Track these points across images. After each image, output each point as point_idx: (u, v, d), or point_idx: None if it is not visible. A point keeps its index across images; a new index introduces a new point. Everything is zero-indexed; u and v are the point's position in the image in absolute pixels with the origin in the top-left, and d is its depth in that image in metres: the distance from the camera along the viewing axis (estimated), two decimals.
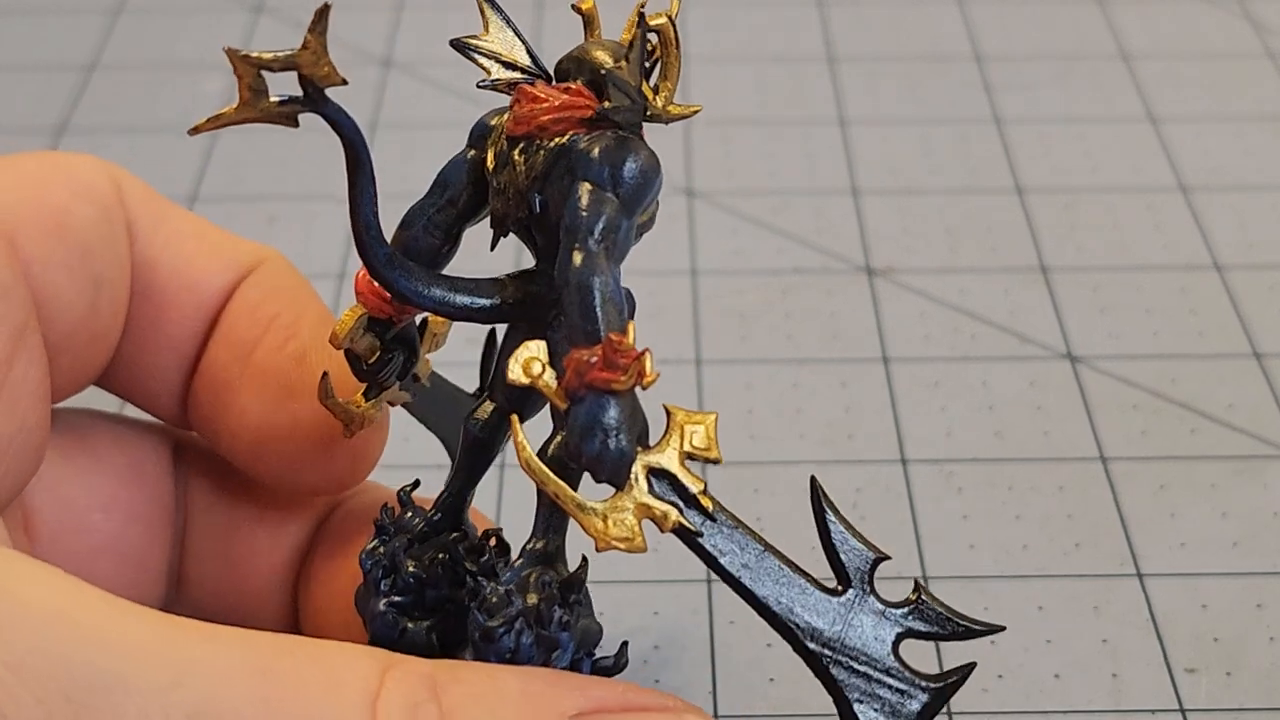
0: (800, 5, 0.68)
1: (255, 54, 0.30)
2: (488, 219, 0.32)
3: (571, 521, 0.30)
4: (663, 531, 0.28)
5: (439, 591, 0.32)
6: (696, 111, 0.31)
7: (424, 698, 0.26)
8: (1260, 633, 0.42)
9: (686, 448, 0.28)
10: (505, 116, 0.32)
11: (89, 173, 0.34)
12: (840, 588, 0.31)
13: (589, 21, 0.32)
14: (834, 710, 0.40)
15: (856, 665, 0.31)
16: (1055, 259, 0.54)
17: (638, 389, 0.28)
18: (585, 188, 0.29)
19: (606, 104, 0.30)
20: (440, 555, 0.32)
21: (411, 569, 0.32)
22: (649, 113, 0.30)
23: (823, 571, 0.31)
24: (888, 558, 0.31)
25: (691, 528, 0.28)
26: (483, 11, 0.30)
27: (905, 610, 0.30)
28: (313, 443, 0.34)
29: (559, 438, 0.31)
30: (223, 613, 0.36)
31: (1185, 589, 0.43)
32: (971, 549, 0.44)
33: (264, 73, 0.31)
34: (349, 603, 0.33)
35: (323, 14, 0.30)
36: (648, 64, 0.31)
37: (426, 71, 0.63)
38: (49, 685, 0.24)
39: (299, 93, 0.31)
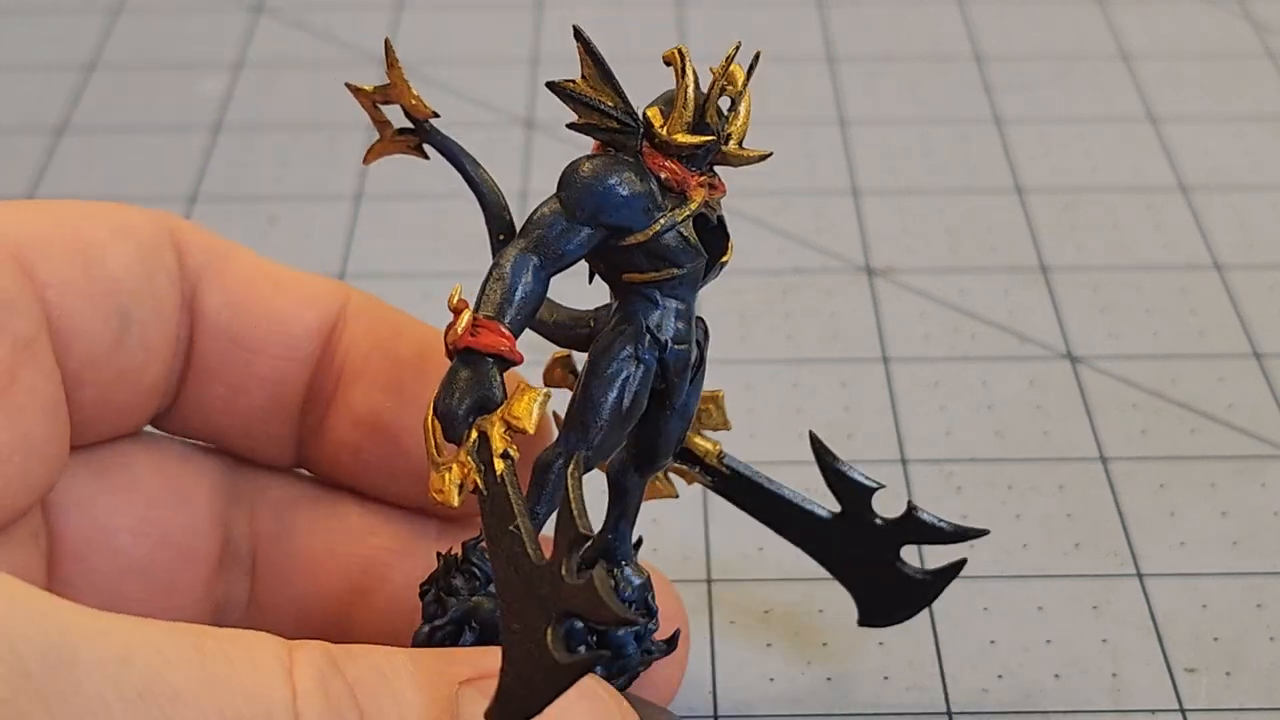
0: (800, 5, 0.68)
1: (364, 88, 0.32)
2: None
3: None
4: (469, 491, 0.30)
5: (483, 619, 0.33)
6: (764, 156, 0.32)
7: (329, 669, 0.28)
8: (1260, 633, 0.42)
9: (507, 416, 0.30)
10: None
11: (133, 217, 0.34)
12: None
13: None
14: (834, 710, 0.40)
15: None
16: (1055, 259, 0.54)
17: (491, 359, 0.30)
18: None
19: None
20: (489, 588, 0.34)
21: (459, 599, 0.33)
22: (656, 139, 0.31)
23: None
24: (883, 486, 0.37)
25: (481, 487, 0.30)
26: (582, 60, 0.31)
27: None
28: None
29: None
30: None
31: (1185, 589, 0.43)
32: (971, 549, 0.44)
33: (381, 105, 0.33)
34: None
35: (388, 48, 0.32)
36: (713, 99, 0.31)
37: (426, 71, 0.63)
38: (9, 661, 0.24)
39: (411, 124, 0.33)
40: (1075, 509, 0.45)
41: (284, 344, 0.35)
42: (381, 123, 0.33)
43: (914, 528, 0.38)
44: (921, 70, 0.64)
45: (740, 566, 0.44)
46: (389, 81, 0.32)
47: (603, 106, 0.31)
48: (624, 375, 0.32)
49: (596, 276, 0.33)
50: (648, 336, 0.32)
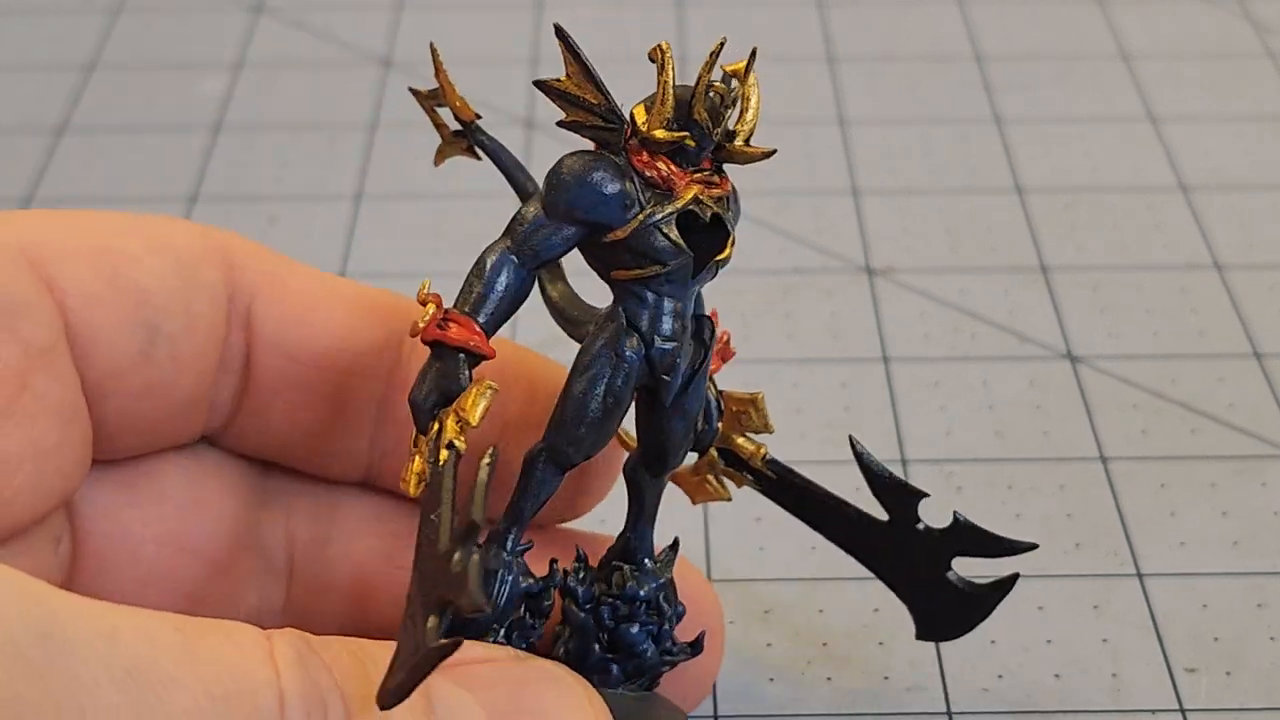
0: (800, 5, 0.68)
1: (420, 90, 0.35)
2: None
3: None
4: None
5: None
6: (769, 154, 0.32)
7: (307, 651, 0.28)
8: (1260, 633, 0.42)
9: (458, 408, 0.31)
10: None
11: (177, 233, 0.34)
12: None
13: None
14: (834, 710, 0.40)
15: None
16: (1055, 259, 0.54)
17: (462, 353, 0.31)
18: None
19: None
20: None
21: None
22: (639, 136, 0.31)
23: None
24: (927, 494, 0.37)
25: (426, 476, 0.31)
26: (565, 59, 0.31)
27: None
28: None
29: None
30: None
31: (1185, 589, 0.43)
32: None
33: (439, 108, 0.35)
34: None
35: (434, 52, 0.34)
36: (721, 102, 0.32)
37: (426, 71, 0.63)
38: (4, 643, 0.25)
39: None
40: (1075, 509, 0.45)
41: (347, 360, 0.35)
42: (439, 125, 0.35)
43: (961, 538, 0.37)
44: (921, 70, 0.64)
45: (740, 566, 0.44)
46: (438, 85, 0.34)
47: (586, 103, 0.31)
48: (602, 371, 0.32)
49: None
50: (635, 335, 0.32)
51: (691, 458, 0.36)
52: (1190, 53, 0.65)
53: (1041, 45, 0.65)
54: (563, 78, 0.31)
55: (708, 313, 0.34)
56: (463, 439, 0.30)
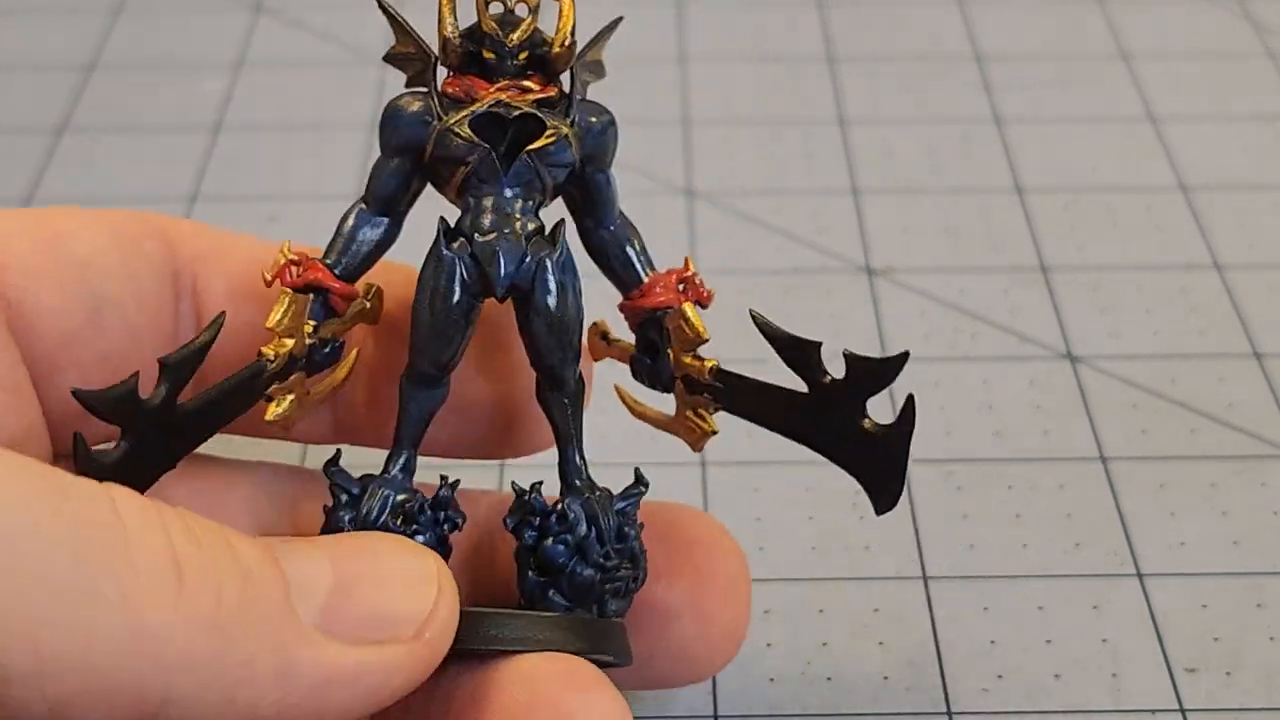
0: (800, 5, 0.68)
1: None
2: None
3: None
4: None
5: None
6: (572, 46, 0.34)
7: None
8: (1260, 633, 0.42)
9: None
10: None
11: (110, 213, 0.35)
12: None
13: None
14: (834, 710, 0.40)
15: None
16: (1055, 259, 0.54)
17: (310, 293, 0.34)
18: None
19: None
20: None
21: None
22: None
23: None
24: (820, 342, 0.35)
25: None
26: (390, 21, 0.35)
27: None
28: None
29: None
30: None
31: (1185, 589, 0.43)
32: (971, 549, 0.44)
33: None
34: None
35: None
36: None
37: None
38: None
39: None
40: (1075, 509, 0.45)
41: None
42: None
43: (859, 376, 0.34)
44: (921, 70, 0.64)
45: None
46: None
47: (410, 55, 0.35)
48: (427, 277, 0.34)
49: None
50: (460, 238, 0.34)
51: (669, 402, 0.37)
52: (1190, 53, 0.65)
53: (1041, 45, 0.65)
54: (394, 45, 0.35)
55: (682, 263, 0.36)
56: (273, 350, 0.33)
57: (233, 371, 0.33)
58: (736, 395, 0.36)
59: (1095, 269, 0.54)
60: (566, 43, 0.34)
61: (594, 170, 0.35)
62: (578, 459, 0.35)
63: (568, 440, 0.35)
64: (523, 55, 0.34)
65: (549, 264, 0.34)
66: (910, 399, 0.34)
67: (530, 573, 0.34)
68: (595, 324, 0.37)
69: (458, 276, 0.33)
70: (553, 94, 0.34)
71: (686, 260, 0.36)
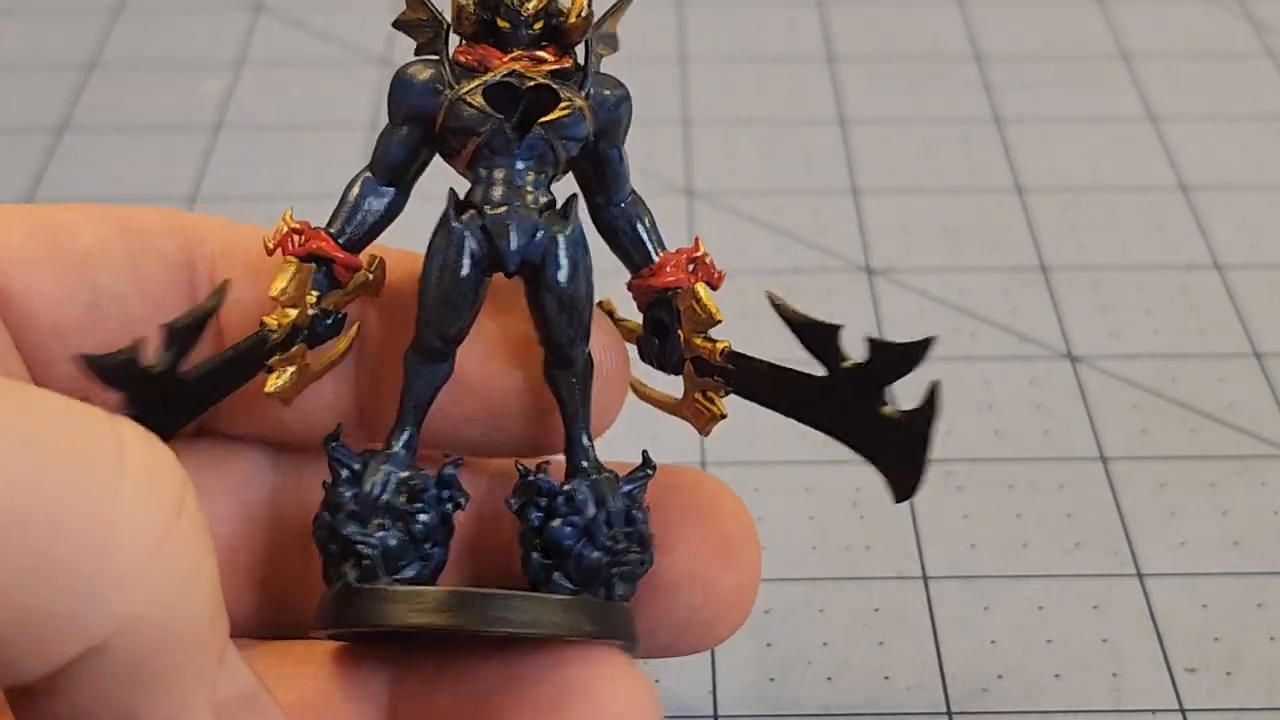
0: (800, 5, 0.68)
1: None
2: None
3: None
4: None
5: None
6: (589, 16, 0.33)
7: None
8: (1260, 633, 0.42)
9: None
10: None
11: (124, 209, 0.35)
12: None
13: None
14: (834, 710, 0.40)
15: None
16: (1055, 259, 0.54)
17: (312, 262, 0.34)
18: None
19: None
20: None
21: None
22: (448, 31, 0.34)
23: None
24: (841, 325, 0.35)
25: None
26: None
27: None
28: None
29: None
30: None
31: (1185, 589, 0.43)
32: (971, 549, 0.44)
33: None
34: None
35: None
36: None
37: None
38: None
39: None
40: (1075, 509, 0.45)
41: None
42: None
43: (880, 360, 0.34)
44: (921, 70, 0.64)
45: None
46: None
47: (421, 22, 0.34)
48: (436, 247, 0.33)
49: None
50: (470, 209, 0.33)
51: (677, 385, 0.36)
52: (1190, 53, 0.65)
53: (1041, 45, 0.65)
54: (404, 10, 0.34)
55: (692, 243, 0.36)
56: (276, 320, 0.33)
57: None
58: (749, 378, 0.35)
59: (1095, 269, 0.54)
60: (583, 13, 0.33)
61: (607, 145, 0.34)
62: (585, 439, 0.35)
63: (574, 420, 0.34)
64: (538, 25, 0.33)
65: (561, 240, 0.33)
66: (936, 385, 0.34)
67: (535, 554, 0.33)
68: (601, 302, 0.36)
69: (467, 249, 0.33)
70: (567, 65, 0.33)
71: (697, 240, 0.36)
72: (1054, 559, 0.44)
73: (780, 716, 0.40)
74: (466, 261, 0.33)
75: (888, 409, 0.34)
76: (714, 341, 0.35)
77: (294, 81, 0.63)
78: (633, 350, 0.37)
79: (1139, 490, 0.46)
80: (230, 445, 0.36)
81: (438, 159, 0.34)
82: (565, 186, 0.35)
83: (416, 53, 0.34)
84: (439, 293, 0.33)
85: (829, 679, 0.41)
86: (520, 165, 0.33)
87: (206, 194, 0.57)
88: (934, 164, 0.59)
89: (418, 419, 0.34)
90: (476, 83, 0.33)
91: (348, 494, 0.33)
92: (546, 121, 0.33)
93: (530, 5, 0.33)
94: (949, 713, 0.40)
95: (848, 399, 0.34)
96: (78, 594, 0.25)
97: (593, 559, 0.33)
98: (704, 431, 0.36)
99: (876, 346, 0.34)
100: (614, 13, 0.34)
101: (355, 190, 0.34)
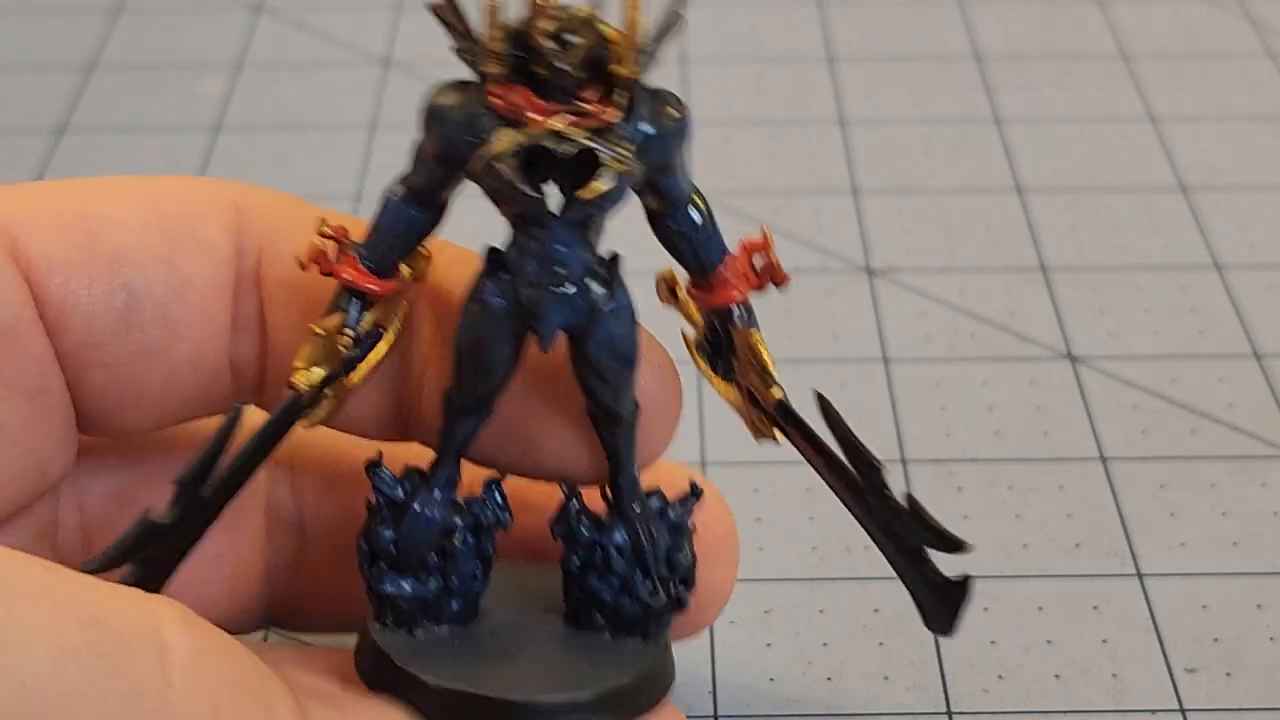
0: (800, 5, 0.68)
1: None
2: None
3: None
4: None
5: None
6: (650, 53, 0.30)
7: (190, 612, 0.28)
8: (1260, 633, 0.42)
9: None
10: None
11: (168, 190, 0.33)
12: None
13: None
14: (834, 710, 0.40)
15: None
16: (1055, 259, 0.54)
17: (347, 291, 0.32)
18: None
19: None
20: None
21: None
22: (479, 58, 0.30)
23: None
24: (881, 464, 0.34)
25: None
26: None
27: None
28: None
29: None
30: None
31: (1185, 589, 0.43)
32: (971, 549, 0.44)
33: None
34: None
35: None
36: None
37: (426, 71, 0.63)
38: None
39: None
40: (1075, 509, 0.45)
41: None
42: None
43: (909, 520, 0.33)
44: (921, 70, 0.64)
45: (740, 567, 0.44)
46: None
47: (460, 35, 0.30)
48: (468, 310, 0.31)
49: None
50: (505, 277, 0.31)
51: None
52: (1190, 53, 0.65)
53: (1041, 45, 0.65)
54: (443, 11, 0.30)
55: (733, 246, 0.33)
56: (305, 381, 0.32)
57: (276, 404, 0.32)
58: (794, 439, 0.34)
59: (1095, 269, 0.54)
60: (635, 58, 0.30)
61: (662, 177, 0.32)
62: (629, 475, 0.33)
63: (618, 460, 0.33)
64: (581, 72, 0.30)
65: (602, 314, 0.31)
66: (968, 580, 0.33)
67: (575, 590, 0.34)
68: (663, 277, 0.34)
69: (500, 322, 0.31)
70: (611, 118, 0.30)
71: (763, 230, 0.33)
72: (1054, 559, 0.44)
73: (780, 716, 0.40)
74: (499, 332, 0.31)
75: (926, 566, 0.34)
76: (769, 386, 0.34)
77: (294, 82, 0.63)
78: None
79: (1139, 491, 0.46)
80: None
81: None
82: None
83: (451, 46, 0.31)
84: (470, 359, 0.32)
85: (829, 679, 0.41)
86: (560, 236, 0.30)
87: None
88: (934, 164, 0.59)
89: (457, 457, 0.33)
90: (509, 143, 0.29)
91: (387, 535, 0.33)
92: (582, 198, 0.30)
93: (575, 54, 0.29)
94: (949, 713, 0.40)
95: (883, 525, 0.34)
96: None
97: (630, 611, 0.33)
98: (757, 441, 0.35)
99: (915, 511, 0.33)
100: (665, 37, 0.31)
101: (389, 205, 0.32)
